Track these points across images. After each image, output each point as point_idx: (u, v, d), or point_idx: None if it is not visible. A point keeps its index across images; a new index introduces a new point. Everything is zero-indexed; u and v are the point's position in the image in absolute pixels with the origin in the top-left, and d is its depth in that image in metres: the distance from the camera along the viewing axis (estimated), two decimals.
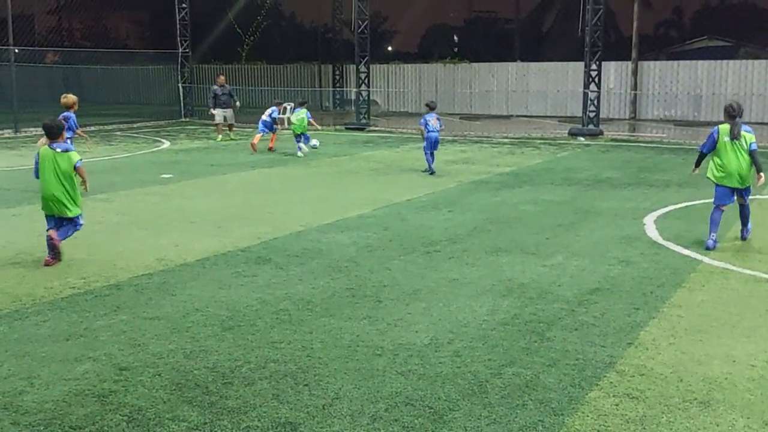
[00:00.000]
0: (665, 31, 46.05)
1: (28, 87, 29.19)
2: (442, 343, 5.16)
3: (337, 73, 33.81)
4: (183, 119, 27.72)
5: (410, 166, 14.76)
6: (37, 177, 7.37)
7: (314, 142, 17.90)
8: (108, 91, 31.71)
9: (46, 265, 7.17)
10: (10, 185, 12.42)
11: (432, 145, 13.50)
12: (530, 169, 14.47)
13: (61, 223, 7.38)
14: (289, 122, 18.98)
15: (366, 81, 24.67)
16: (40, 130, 23.28)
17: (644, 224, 9.15)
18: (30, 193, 11.51)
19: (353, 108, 26.79)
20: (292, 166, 15.03)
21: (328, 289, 6.45)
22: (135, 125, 25.93)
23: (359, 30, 24.10)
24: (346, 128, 24.10)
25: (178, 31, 28.09)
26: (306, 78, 35.30)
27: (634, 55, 27.39)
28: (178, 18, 27.94)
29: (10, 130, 22.79)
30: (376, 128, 24.15)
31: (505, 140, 20.39)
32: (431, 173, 13.52)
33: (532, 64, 30.39)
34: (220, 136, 21.92)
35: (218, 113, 21.93)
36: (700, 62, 26.94)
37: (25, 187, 12.10)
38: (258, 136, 17.98)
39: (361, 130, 23.45)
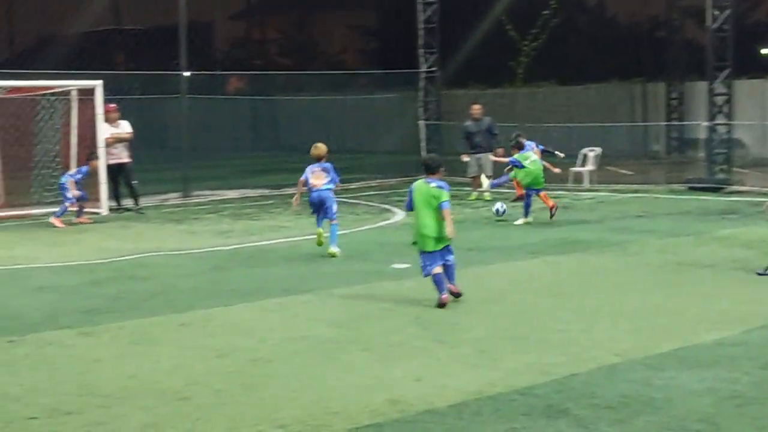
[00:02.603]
0: None
1: (202, 129, 32.38)
2: None
3: (674, 96, 33.57)
4: None
5: None
6: (409, 209, 11.86)
7: (499, 206, 19.02)
8: (315, 133, 34.10)
9: (441, 305, 11.16)
10: (177, 279, 13.76)
11: None
12: None
13: (446, 256, 11.47)
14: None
15: (726, 108, 24.19)
16: (216, 194, 25.72)
17: None
18: (205, 293, 12.67)
19: (703, 154, 26.25)
20: (597, 253, 15.02)
21: None
22: (353, 185, 27.52)
23: (715, 24, 23.80)
24: (690, 188, 23.80)
25: (421, 40, 29.46)
26: (619, 105, 35.40)
27: None
28: (421, 19, 29.38)
29: (176, 194, 25.37)
30: (743, 188, 23.53)
31: None
32: None
33: None
34: (475, 193, 22.65)
35: (471, 160, 22.65)
36: None
37: (197, 284, 13.34)
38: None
39: (717, 191, 22.88)
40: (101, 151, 20.85)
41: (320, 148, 15.58)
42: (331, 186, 15.28)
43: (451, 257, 11.57)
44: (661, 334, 9.84)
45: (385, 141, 32.98)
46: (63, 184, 19.95)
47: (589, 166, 25.84)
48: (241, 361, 9.24)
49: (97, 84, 21.41)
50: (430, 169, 11.71)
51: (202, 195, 25.53)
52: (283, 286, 12.94)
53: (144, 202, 22.73)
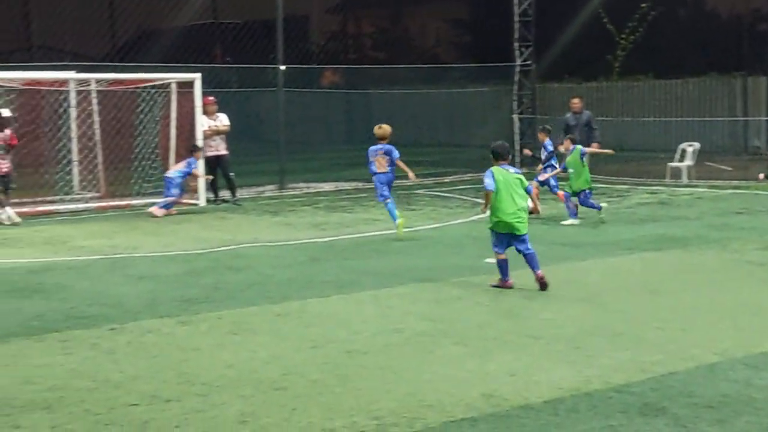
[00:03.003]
0: None
1: (298, 122, 32.74)
2: None
3: None
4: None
5: None
6: (492, 189, 11.72)
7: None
8: (407, 126, 34.17)
9: (503, 287, 11.86)
10: (273, 270, 13.93)
11: None
12: None
13: (520, 247, 11.81)
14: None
15: None
16: (311, 187, 25.94)
17: None
18: (300, 284, 12.80)
19: None
20: (695, 250, 14.82)
21: None
22: (446, 179, 27.61)
23: None
24: None
25: (516, 34, 29.38)
26: (719, 99, 34.76)
27: None
28: (516, 12, 29.29)
29: (273, 186, 25.72)
30: None
31: None
32: None
33: None
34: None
35: None
36: None
37: (293, 275, 13.49)
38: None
39: None
40: (199, 143, 21.19)
41: (385, 128, 16.57)
42: (392, 167, 16.44)
43: (524, 246, 11.90)
44: (762, 333, 9.69)
45: (479, 135, 32.76)
46: (170, 179, 20.22)
47: (687, 162, 25.46)
48: (336, 352, 9.32)
49: (196, 77, 21.77)
50: (501, 157, 12.13)
51: (298, 187, 25.86)
52: (377, 278, 13.02)
53: (241, 193, 23.12)
